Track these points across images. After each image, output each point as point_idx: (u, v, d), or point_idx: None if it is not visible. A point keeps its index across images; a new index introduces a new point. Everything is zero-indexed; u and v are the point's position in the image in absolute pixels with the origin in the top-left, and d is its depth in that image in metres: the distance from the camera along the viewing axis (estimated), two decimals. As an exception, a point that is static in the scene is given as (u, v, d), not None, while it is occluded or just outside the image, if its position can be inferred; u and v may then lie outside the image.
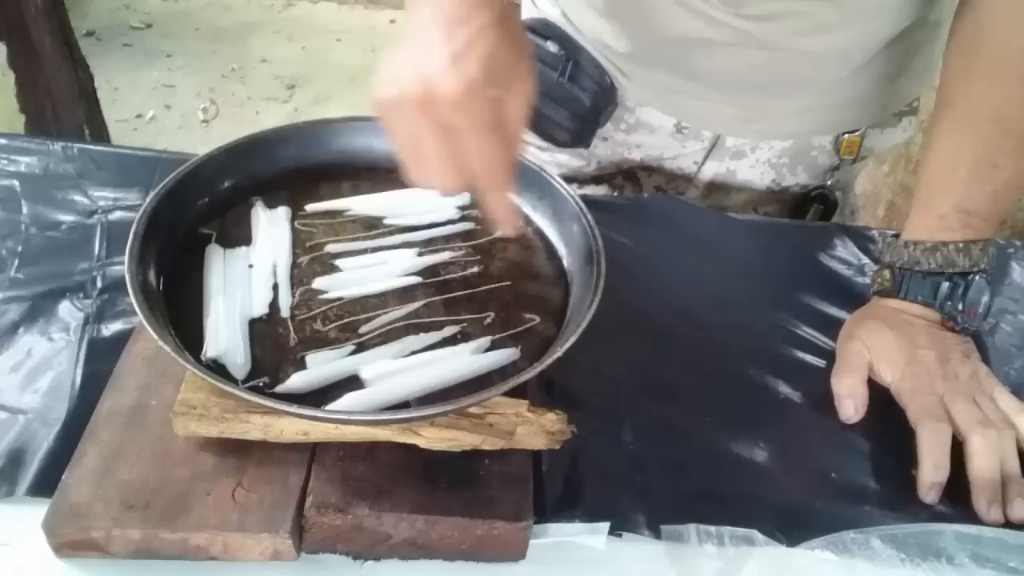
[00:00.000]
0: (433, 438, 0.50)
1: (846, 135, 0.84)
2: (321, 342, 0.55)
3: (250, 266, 0.59)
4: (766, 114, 0.82)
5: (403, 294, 0.59)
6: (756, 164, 0.86)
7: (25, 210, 0.71)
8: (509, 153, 0.50)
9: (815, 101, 0.81)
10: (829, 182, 0.88)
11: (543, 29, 0.83)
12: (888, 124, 0.86)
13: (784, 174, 0.87)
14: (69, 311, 0.63)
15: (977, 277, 0.64)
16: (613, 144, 0.89)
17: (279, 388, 0.51)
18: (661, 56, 0.79)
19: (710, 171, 0.88)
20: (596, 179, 0.93)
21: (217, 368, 0.52)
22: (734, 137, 0.85)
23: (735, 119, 0.83)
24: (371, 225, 0.64)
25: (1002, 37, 0.64)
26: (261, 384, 0.52)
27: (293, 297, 0.58)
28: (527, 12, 0.89)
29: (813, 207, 0.89)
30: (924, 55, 0.81)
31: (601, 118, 0.85)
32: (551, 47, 0.82)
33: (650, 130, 0.87)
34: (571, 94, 0.82)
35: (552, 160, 0.91)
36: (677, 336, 0.68)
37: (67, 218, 0.71)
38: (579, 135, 0.84)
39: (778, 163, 0.86)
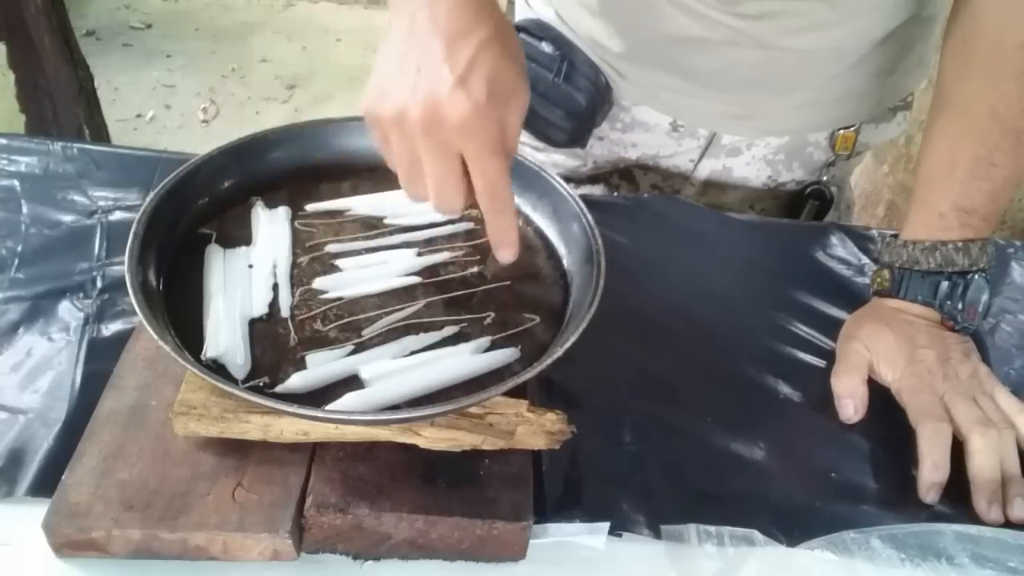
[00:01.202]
0: (433, 438, 0.50)
1: (841, 131, 0.84)
2: (321, 342, 0.55)
3: (250, 266, 0.59)
4: (761, 111, 0.82)
5: (403, 294, 0.59)
6: (752, 161, 0.87)
7: (25, 210, 0.71)
8: (509, 171, 0.49)
9: (810, 97, 0.81)
10: (824, 178, 0.88)
11: (537, 30, 0.83)
12: (883, 119, 0.87)
13: (780, 171, 0.87)
14: (69, 311, 0.63)
15: (977, 276, 0.64)
16: (609, 143, 0.89)
17: (279, 388, 0.51)
18: (656, 55, 0.80)
19: (706, 169, 0.88)
20: (592, 179, 0.93)
21: (217, 368, 0.52)
22: (730, 135, 0.85)
23: (730, 117, 0.83)
24: (371, 225, 0.64)
25: (999, 35, 0.64)
26: (261, 384, 0.52)
27: (293, 297, 0.58)
28: (521, 13, 0.89)
29: (809, 203, 0.89)
30: (918, 50, 0.81)
31: (597, 117, 0.85)
32: (545, 47, 0.82)
33: (646, 129, 0.87)
34: (566, 94, 0.82)
35: (548, 160, 0.91)
36: (677, 336, 0.68)
37: (67, 218, 0.71)
38: (575, 135, 0.84)
39: (774, 160, 0.86)
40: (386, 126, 0.48)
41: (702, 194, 0.90)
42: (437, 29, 0.47)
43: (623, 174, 0.92)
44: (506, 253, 0.52)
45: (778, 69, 0.77)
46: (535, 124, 0.85)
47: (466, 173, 0.48)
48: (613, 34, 0.80)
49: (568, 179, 0.92)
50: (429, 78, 0.46)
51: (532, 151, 0.91)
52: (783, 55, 0.75)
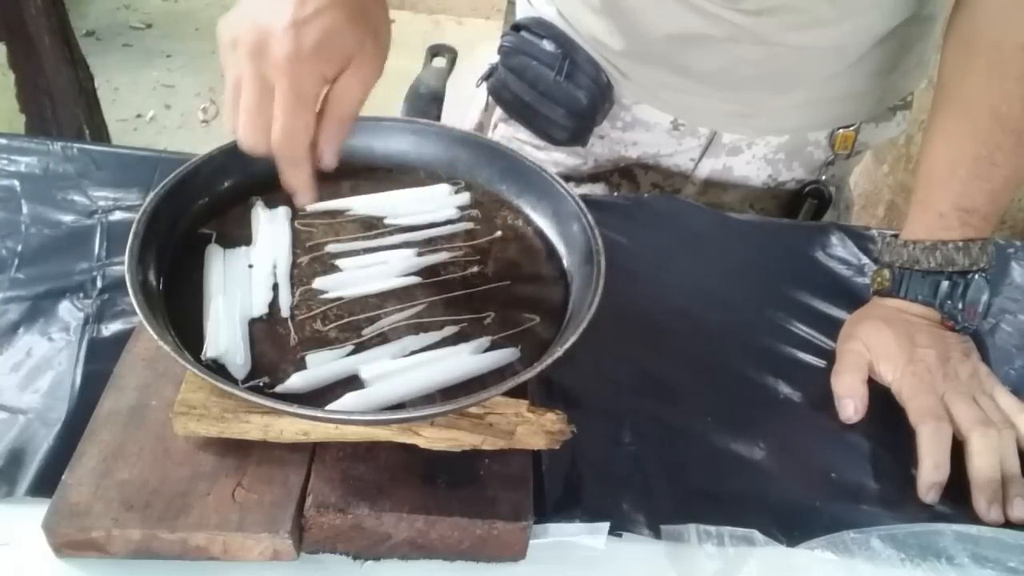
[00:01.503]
0: (433, 438, 0.50)
1: (841, 130, 0.84)
2: (321, 342, 0.55)
3: (250, 266, 0.59)
4: (762, 110, 0.82)
5: (403, 294, 0.59)
6: (752, 160, 0.87)
7: (25, 210, 0.71)
8: (311, 129, 0.50)
9: (810, 96, 0.81)
10: (824, 177, 0.88)
11: (539, 28, 0.83)
12: (882, 119, 0.87)
13: (780, 170, 0.87)
14: (69, 311, 0.63)
15: (977, 276, 0.64)
16: (610, 142, 0.89)
17: (279, 388, 0.51)
18: (657, 53, 0.80)
19: (707, 168, 0.88)
20: (593, 177, 0.93)
21: (217, 368, 0.52)
22: (730, 133, 0.85)
23: (731, 115, 0.83)
24: (371, 225, 0.64)
25: (999, 35, 0.64)
26: (261, 384, 0.52)
27: (293, 297, 0.58)
28: (523, 11, 0.89)
29: (808, 202, 0.89)
30: (918, 50, 0.81)
31: (598, 116, 0.85)
32: (547, 45, 0.82)
33: (646, 127, 0.87)
34: (568, 92, 0.82)
35: (549, 159, 0.91)
36: (677, 336, 0.68)
37: (67, 218, 0.71)
38: (576, 133, 0.85)
39: (774, 159, 0.87)
40: (225, 46, 0.50)
41: (702, 193, 0.90)
42: None
43: (624, 173, 0.93)
44: (300, 198, 0.53)
45: (779, 66, 0.77)
46: (536, 122, 0.85)
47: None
48: (615, 32, 0.80)
49: (569, 178, 0.92)
50: (271, 15, 0.48)
51: (533, 149, 0.91)
52: (784, 52, 0.75)
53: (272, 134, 0.49)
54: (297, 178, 0.52)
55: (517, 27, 0.85)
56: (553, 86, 0.82)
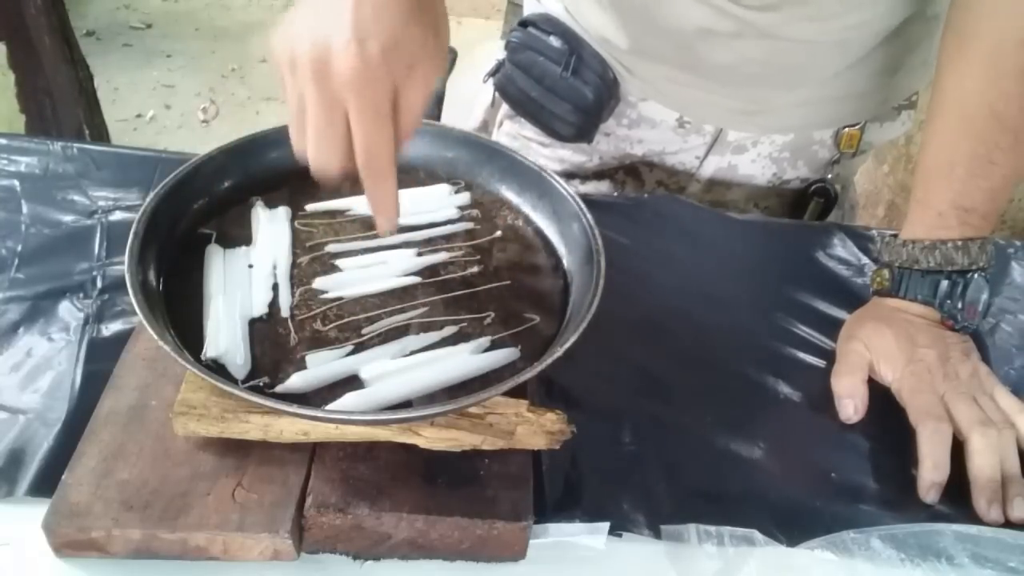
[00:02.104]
0: (433, 438, 0.50)
1: (846, 129, 0.84)
2: (321, 342, 0.55)
3: (250, 266, 0.59)
4: (767, 107, 0.82)
5: (403, 294, 0.59)
6: (757, 159, 0.87)
7: (25, 210, 0.71)
8: (393, 141, 0.48)
9: (815, 94, 0.81)
10: (829, 176, 0.88)
11: (546, 24, 0.83)
12: (887, 118, 0.87)
13: (785, 168, 0.87)
14: (69, 311, 0.63)
15: (976, 275, 0.64)
16: (615, 139, 0.89)
17: (279, 388, 0.51)
18: (664, 49, 0.80)
19: (712, 166, 0.88)
20: (598, 174, 0.93)
21: (217, 368, 0.52)
22: (736, 131, 0.85)
23: (737, 112, 0.83)
24: (371, 225, 0.64)
25: (998, 32, 0.64)
26: (261, 384, 0.52)
27: (293, 297, 0.58)
28: (530, 7, 0.89)
29: (813, 201, 0.89)
30: (922, 49, 0.81)
31: (604, 112, 0.85)
32: (554, 41, 0.83)
33: (652, 125, 0.87)
34: (574, 88, 0.82)
35: (554, 156, 0.91)
36: (677, 336, 0.68)
37: (67, 218, 0.71)
38: (582, 129, 0.85)
39: (779, 157, 0.87)
40: (283, 66, 0.48)
41: (707, 191, 0.90)
42: None
43: (628, 170, 0.93)
44: (384, 222, 0.51)
45: (784, 62, 0.77)
46: (542, 118, 0.85)
47: (350, 133, 0.47)
48: (622, 28, 0.80)
49: (573, 175, 0.92)
50: (329, 27, 0.45)
51: (538, 146, 0.91)
52: (789, 47, 0.75)
53: (357, 154, 0.47)
54: (387, 193, 0.49)
55: (524, 23, 0.85)
56: (560, 82, 0.82)
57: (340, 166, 0.47)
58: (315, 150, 0.47)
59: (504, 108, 0.93)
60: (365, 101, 0.45)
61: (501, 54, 0.86)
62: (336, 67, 0.45)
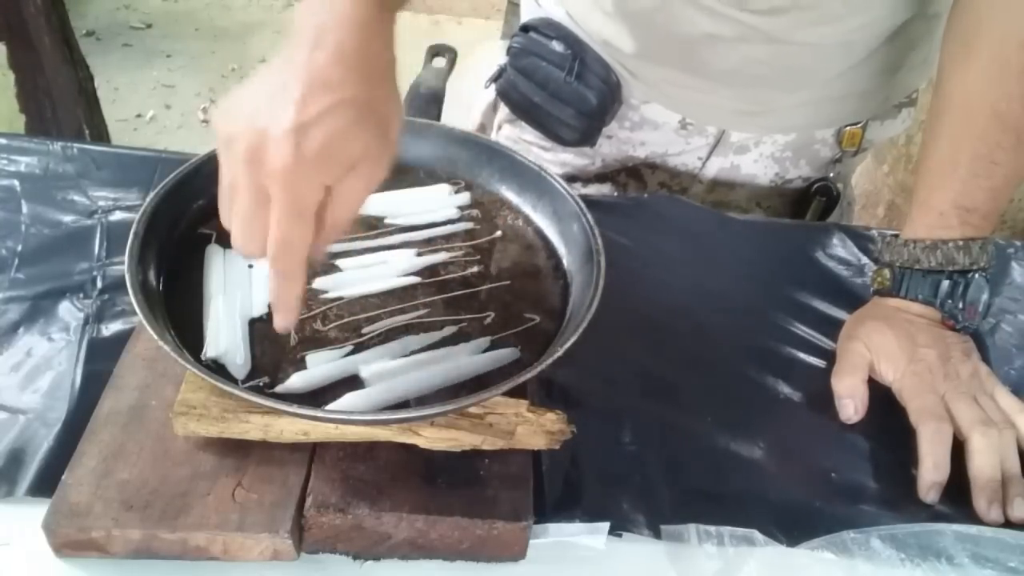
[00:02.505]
0: (433, 438, 0.50)
1: (848, 127, 0.84)
2: (321, 342, 0.55)
3: (250, 266, 0.59)
4: (770, 108, 0.83)
5: (403, 294, 0.59)
6: (760, 159, 0.87)
7: (25, 210, 0.71)
8: (309, 242, 0.45)
9: (818, 94, 0.81)
10: (831, 174, 0.88)
11: (548, 29, 0.83)
12: (888, 116, 0.87)
13: (787, 167, 0.87)
14: (69, 311, 0.63)
15: (977, 275, 0.64)
16: (618, 142, 0.89)
17: (279, 388, 0.51)
18: (668, 54, 0.80)
19: (714, 167, 0.88)
20: (600, 177, 0.93)
21: (217, 368, 0.52)
22: (738, 132, 0.85)
23: (740, 113, 0.83)
24: (371, 225, 0.64)
25: (1000, 32, 0.64)
26: (261, 384, 0.52)
27: (293, 297, 0.58)
28: (531, 12, 0.89)
29: (816, 200, 0.89)
30: (923, 47, 0.81)
31: (607, 116, 0.85)
32: (557, 46, 0.82)
33: (655, 127, 0.87)
34: (578, 92, 0.82)
35: (556, 159, 0.91)
36: (677, 336, 0.68)
37: (67, 218, 0.71)
38: (586, 133, 0.85)
39: (781, 157, 0.87)
40: (220, 142, 0.46)
41: (709, 192, 0.90)
42: (305, 72, 0.44)
43: (631, 172, 0.93)
44: (280, 320, 0.48)
45: (788, 64, 0.77)
46: (545, 123, 0.85)
47: None
48: (626, 34, 0.80)
49: (576, 178, 0.92)
50: (271, 115, 0.43)
51: (540, 150, 0.91)
52: (793, 50, 0.75)
53: (268, 247, 0.45)
54: (289, 294, 0.47)
55: (526, 28, 0.85)
56: (563, 86, 0.82)
57: (261, 253, 0.46)
58: (238, 234, 0.46)
59: (503, 111, 0.92)
60: (288, 197, 0.43)
61: (502, 59, 0.86)
62: (268, 157, 0.43)
